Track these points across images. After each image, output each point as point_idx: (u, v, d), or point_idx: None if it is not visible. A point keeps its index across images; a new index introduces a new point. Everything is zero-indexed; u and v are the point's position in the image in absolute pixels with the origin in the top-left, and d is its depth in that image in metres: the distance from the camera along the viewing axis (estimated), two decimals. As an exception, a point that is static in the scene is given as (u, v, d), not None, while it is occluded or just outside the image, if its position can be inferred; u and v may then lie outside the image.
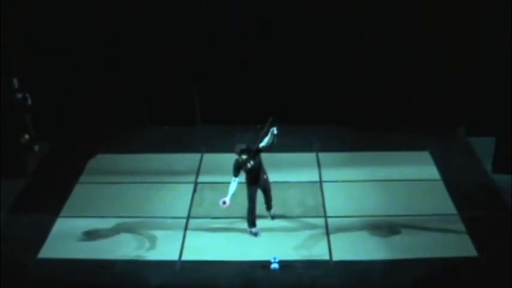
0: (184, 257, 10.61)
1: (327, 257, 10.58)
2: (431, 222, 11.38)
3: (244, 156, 10.50)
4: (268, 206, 11.41)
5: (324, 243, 10.91)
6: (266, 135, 10.56)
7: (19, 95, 13.14)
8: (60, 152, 13.96)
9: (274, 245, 10.82)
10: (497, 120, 12.92)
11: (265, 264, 10.30)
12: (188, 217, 11.65)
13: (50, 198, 12.21)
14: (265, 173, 11.00)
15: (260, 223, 11.33)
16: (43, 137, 13.97)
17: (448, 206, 11.87)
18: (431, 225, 11.28)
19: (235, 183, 10.60)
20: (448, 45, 13.87)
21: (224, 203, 10.58)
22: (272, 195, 11.32)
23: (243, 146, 10.60)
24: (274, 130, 10.48)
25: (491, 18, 13.23)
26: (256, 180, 10.85)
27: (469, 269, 10.30)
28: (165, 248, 10.82)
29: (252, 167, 10.61)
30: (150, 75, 14.42)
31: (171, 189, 12.52)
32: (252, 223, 11.07)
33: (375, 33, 13.99)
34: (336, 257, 10.56)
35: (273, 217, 11.50)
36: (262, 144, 10.53)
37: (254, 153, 10.56)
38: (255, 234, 11.07)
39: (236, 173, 10.63)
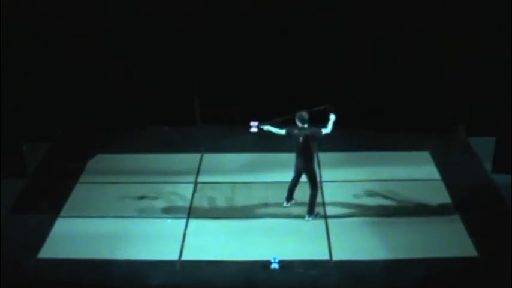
0: (184, 257, 10.60)
1: (327, 257, 10.58)
2: (431, 222, 11.38)
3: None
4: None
5: (324, 243, 10.90)
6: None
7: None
8: (60, 152, 13.96)
9: (274, 245, 10.81)
10: (497, 120, 12.92)
11: (265, 264, 10.30)
12: (188, 217, 11.65)
13: (50, 198, 12.20)
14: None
15: (260, 223, 11.34)
16: (43, 137, 13.97)
17: (448, 206, 11.88)
18: (431, 225, 11.28)
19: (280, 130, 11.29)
20: (448, 45, 13.86)
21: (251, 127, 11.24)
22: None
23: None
24: (333, 116, 11.40)
25: (491, 17, 13.23)
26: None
27: (469, 269, 10.30)
28: (165, 248, 10.81)
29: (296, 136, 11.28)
30: (150, 75, 14.42)
31: (171, 189, 12.52)
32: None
33: (374, 33, 13.99)
34: (336, 257, 10.56)
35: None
36: (326, 131, 11.31)
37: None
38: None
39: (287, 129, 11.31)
